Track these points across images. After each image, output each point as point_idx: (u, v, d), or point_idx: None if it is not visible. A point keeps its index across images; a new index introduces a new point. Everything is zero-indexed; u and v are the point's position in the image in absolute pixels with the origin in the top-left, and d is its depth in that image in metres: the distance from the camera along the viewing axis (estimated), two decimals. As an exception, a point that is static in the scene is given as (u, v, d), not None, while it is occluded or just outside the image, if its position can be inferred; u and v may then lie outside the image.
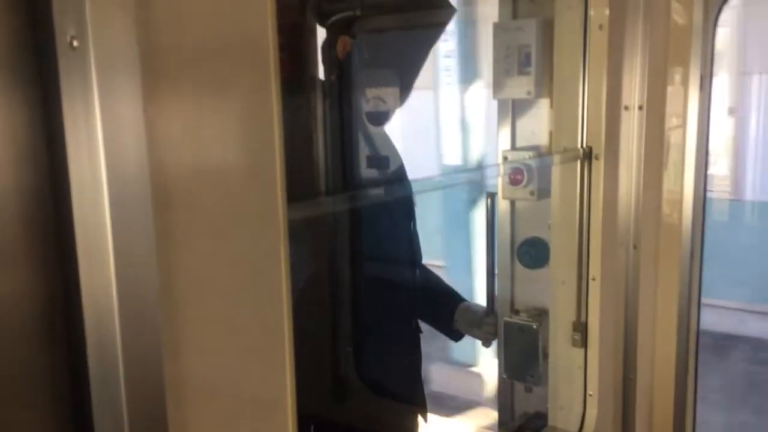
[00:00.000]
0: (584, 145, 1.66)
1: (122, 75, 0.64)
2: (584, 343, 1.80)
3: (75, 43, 0.61)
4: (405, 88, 2.20)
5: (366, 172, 2.14)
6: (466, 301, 2.36)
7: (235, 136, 0.80)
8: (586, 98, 1.65)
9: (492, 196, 1.95)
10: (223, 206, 0.79)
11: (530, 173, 1.82)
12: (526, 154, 1.85)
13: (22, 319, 0.66)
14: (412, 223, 2.35)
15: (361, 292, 2.24)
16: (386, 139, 2.16)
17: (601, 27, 1.58)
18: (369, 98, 2.06)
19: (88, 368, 0.67)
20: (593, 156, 1.67)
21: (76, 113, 0.63)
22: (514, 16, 1.83)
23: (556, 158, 1.70)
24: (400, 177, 2.26)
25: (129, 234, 0.66)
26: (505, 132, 1.95)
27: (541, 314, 1.99)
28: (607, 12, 1.58)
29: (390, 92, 2.11)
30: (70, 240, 0.65)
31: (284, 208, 0.86)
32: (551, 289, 1.87)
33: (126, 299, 0.66)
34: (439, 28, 2.01)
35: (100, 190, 0.65)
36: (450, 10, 1.90)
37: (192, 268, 0.76)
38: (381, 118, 2.11)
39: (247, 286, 0.84)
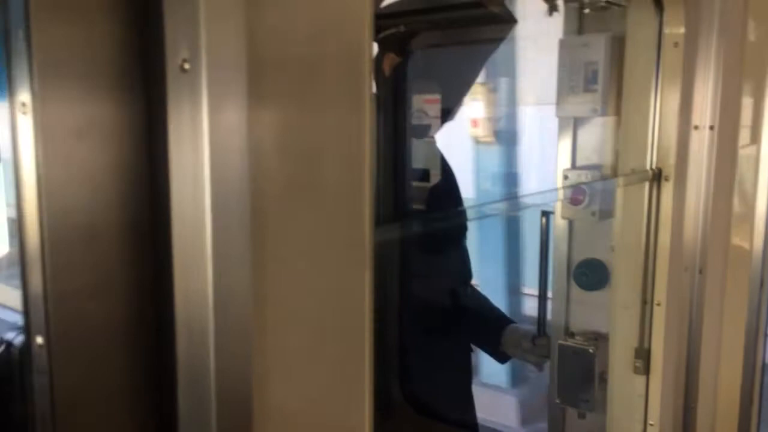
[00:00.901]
0: (653, 167, 1.61)
1: (230, 96, 0.62)
2: (646, 371, 1.74)
3: (186, 66, 0.60)
4: (454, 103, 2.16)
5: (417, 186, 2.11)
6: (514, 322, 2.31)
7: (328, 152, 0.77)
8: (657, 117, 1.60)
9: (547, 214, 1.90)
10: (313, 225, 0.77)
11: (592, 193, 1.77)
12: (588, 174, 1.79)
13: (117, 324, 0.64)
14: (463, 240, 2.31)
15: (409, 310, 2.20)
16: (438, 153, 2.13)
17: (676, 45, 1.53)
18: (415, 113, 2.04)
19: (177, 380, 0.65)
20: (662, 177, 1.61)
21: (183, 134, 0.62)
22: (580, 31, 1.79)
23: (624, 180, 1.65)
24: (452, 192, 2.22)
25: (226, 248, 0.64)
26: (565, 150, 1.90)
27: (597, 338, 1.92)
28: (683, 30, 1.53)
29: (435, 107, 2.08)
30: (167, 250, 0.63)
31: (371, 233, 0.83)
32: (612, 313, 1.81)
33: (220, 309, 0.64)
34: (495, 42, 1.97)
35: (202, 207, 0.63)
36: (508, 25, 1.86)
37: (281, 282, 0.74)
38: (426, 131, 2.08)
39: (331, 312, 0.81)
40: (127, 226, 0.64)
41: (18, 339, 1.76)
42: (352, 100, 0.78)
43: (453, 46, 2.01)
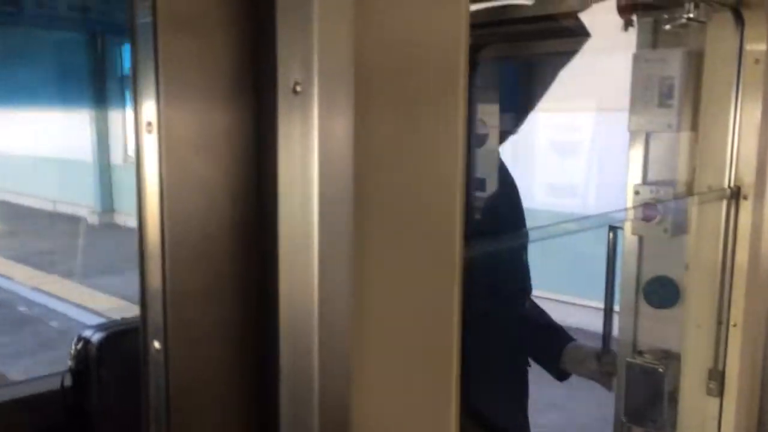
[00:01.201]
0: (732, 184, 1.58)
1: (339, 117, 0.64)
2: (720, 393, 1.69)
3: (298, 89, 0.62)
4: (521, 116, 2.16)
5: (479, 198, 2.11)
6: (575, 340, 2.27)
7: (424, 165, 0.79)
8: (736, 134, 1.56)
9: (614, 229, 1.87)
10: (408, 238, 0.78)
11: (665, 209, 1.74)
12: (661, 189, 1.77)
13: (226, 328, 0.67)
14: (524, 253, 2.29)
15: (466, 323, 2.19)
16: (497, 163, 2.12)
17: (757, 61, 1.50)
18: (477, 122, 2.04)
19: (280, 382, 0.67)
20: (741, 196, 1.57)
21: (292, 153, 0.64)
22: (654, 46, 1.77)
23: (700, 197, 1.62)
24: (510, 203, 2.21)
25: (329, 260, 0.66)
26: (636, 164, 1.87)
27: (666, 357, 1.88)
28: (765, 47, 1.50)
29: (494, 117, 2.07)
30: (274, 259, 0.66)
31: (461, 247, 0.84)
32: (684, 332, 1.77)
33: (322, 317, 0.66)
34: (566, 56, 1.95)
35: (308, 219, 0.65)
36: (580, 39, 1.85)
37: (377, 293, 0.75)
38: (484, 140, 2.08)
39: (422, 326, 0.82)
40: (238, 235, 0.67)
41: (95, 336, 1.83)
42: (447, 111, 0.79)
43: (523, 59, 2.00)
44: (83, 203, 13.12)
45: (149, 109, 0.61)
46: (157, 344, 0.65)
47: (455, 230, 0.82)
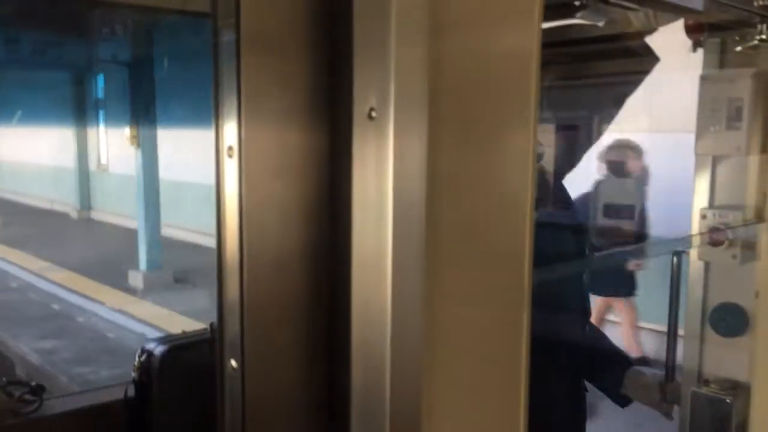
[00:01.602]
0: (806, 209, 1.52)
1: (413, 142, 0.65)
2: (793, 427, 1.62)
3: (373, 115, 0.63)
4: (585, 136, 2.13)
5: (542, 216, 2.08)
6: (635, 364, 2.21)
7: (494, 187, 0.79)
8: (811, 158, 1.51)
9: (678, 254, 1.82)
10: (478, 261, 0.78)
11: (734, 235, 1.69)
12: (730, 214, 1.71)
13: (299, 349, 0.68)
14: (584, 274, 2.25)
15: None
16: (549, 182, 2.10)
17: (833, 82, 1.45)
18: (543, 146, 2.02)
19: (351, 403, 0.68)
20: (816, 221, 1.51)
21: (366, 178, 0.65)
22: (721, 66, 1.73)
23: (772, 222, 1.56)
24: (564, 222, 2.18)
25: (402, 284, 0.66)
26: (703, 188, 1.82)
27: (734, 387, 1.82)
28: (841, 66, 1.45)
29: (548, 136, 2.05)
30: (347, 282, 0.66)
31: (530, 272, 0.83)
32: (753, 361, 1.70)
33: (395, 338, 0.67)
34: (632, 79, 1.92)
35: (382, 242, 0.65)
36: (648, 63, 1.82)
37: (447, 317, 0.75)
38: (539, 158, 2.06)
39: (490, 352, 0.82)
40: (312, 256, 0.68)
41: (158, 349, 1.88)
42: (518, 133, 0.79)
43: (587, 80, 1.98)
44: (68, 202, 16.31)
45: (231, 133, 0.63)
46: (233, 363, 0.66)
47: (524, 251, 0.82)
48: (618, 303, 5.90)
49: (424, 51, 0.64)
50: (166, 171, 10.59)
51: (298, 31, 0.64)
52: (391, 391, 0.67)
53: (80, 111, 14.89)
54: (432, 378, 0.72)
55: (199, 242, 11.09)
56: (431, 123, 0.67)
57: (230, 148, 0.63)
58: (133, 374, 1.91)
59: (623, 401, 2.20)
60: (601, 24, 1.45)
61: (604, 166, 4.85)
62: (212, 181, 0.64)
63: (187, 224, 11.97)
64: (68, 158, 16.09)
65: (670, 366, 1.95)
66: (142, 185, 10.17)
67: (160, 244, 10.36)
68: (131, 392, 1.87)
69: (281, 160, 0.65)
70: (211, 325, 2.10)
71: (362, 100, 0.63)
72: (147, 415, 1.94)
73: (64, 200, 16.60)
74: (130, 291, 9.51)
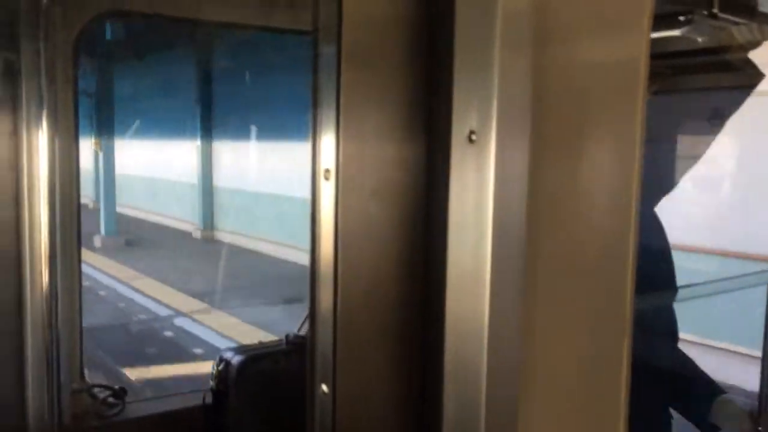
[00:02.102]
0: None
1: (515, 164, 0.62)
2: None
3: (473, 138, 0.60)
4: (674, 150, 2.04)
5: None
6: (725, 392, 2.10)
7: (596, 208, 0.74)
8: None
9: (776, 279, 1.71)
10: (577, 286, 0.74)
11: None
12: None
13: (391, 375, 0.66)
14: (671, 299, 2.16)
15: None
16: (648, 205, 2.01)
17: None
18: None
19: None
20: None
21: (464, 200, 0.62)
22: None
23: None
24: (652, 244, 2.09)
25: (500, 311, 0.63)
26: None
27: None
28: None
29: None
30: (440, 306, 0.64)
31: (631, 298, 0.78)
32: None
33: (491, 371, 0.63)
34: (739, 93, 1.81)
35: (479, 266, 0.62)
36: (750, 77, 1.71)
37: (546, 343, 0.71)
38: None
39: (589, 378, 0.77)
40: (405, 280, 0.66)
41: (235, 359, 1.91)
42: (622, 149, 0.73)
43: (686, 92, 1.89)
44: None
45: (328, 155, 0.62)
46: (324, 388, 0.65)
47: (627, 273, 0.77)
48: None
49: (528, 64, 0.61)
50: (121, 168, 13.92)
51: (396, 43, 0.62)
52: (486, 414, 0.63)
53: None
54: (528, 400, 0.68)
55: (145, 218, 14.58)
56: (532, 139, 0.64)
57: (327, 171, 0.62)
58: (211, 383, 1.95)
59: (711, 430, 2.09)
60: (703, 39, 1.37)
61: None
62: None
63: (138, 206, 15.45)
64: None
65: (764, 395, 1.84)
66: (102, 178, 14.40)
67: (114, 218, 14.25)
68: (209, 399, 1.91)
69: (377, 181, 0.63)
70: (286, 336, 2.12)
71: (462, 122, 0.61)
72: (224, 422, 1.98)
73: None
74: (93, 249, 13.22)
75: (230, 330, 7.73)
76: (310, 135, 0.64)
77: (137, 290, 10.37)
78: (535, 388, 0.68)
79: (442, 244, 0.63)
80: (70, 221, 1.72)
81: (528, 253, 0.65)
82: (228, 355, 1.90)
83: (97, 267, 11.71)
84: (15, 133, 1.67)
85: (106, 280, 10.99)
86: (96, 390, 1.82)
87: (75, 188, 1.74)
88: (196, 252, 13.89)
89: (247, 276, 11.46)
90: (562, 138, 0.69)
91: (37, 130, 1.65)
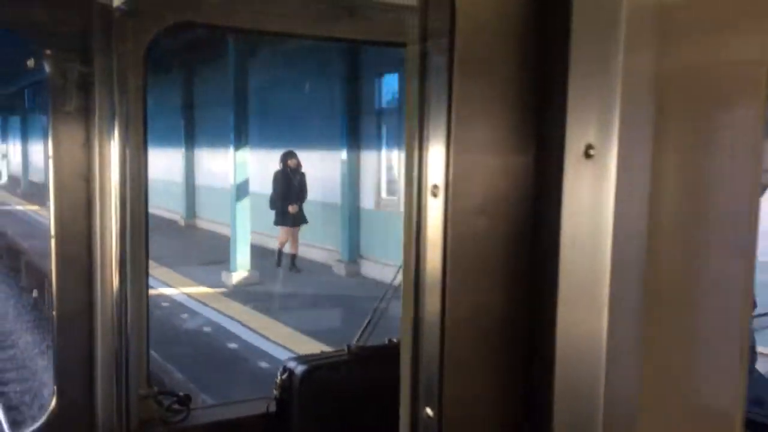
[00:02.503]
0: None
1: (636, 179, 0.59)
2: None
3: (591, 153, 0.57)
4: None
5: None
6: None
7: (719, 214, 0.69)
8: None
9: None
10: (693, 311, 0.69)
11: None
12: None
13: (496, 399, 0.63)
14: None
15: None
16: None
17: None
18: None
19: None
20: None
21: (578, 218, 0.59)
22: None
23: None
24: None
25: (617, 336, 0.60)
26: None
27: None
28: None
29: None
30: (551, 327, 0.61)
31: (747, 321, 0.74)
32: None
33: (606, 397, 0.60)
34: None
35: (595, 286, 0.59)
36: None
37: (662, 364, 0.67)
38: None
39: (704, 406, 0.73)
40: (513, 299, 0.64)
41: (298, 368, 1.91)
42: (745, 157, 0.69)
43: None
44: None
45: (437, 170, 0.60)
46: (429, 411, 0.63)
47: (747, 289, 0.73)
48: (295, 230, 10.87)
49: (652, 70, 0.57)
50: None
51: (508, 50, 0.59)
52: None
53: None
54: (646, 423, 0.65)
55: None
56: (654, 153, 0.60)
57: (435, 187, 0.60)
58: (275, 392, 1.95)
59: None
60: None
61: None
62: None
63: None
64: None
65: None
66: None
67: None
68: (272, 408, 1.91)
69: (485, 197, 0.61)
70: (348, 346, 2.12)
71: (578, 135, 0.58)
72: (287, 430, 1.98)
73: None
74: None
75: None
76: (413, 147, 0.62)
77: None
78: (653, 410, 0.64)
79: (552, 264, 0.60)
80: (140, 229, 1.75)
81: (646, 271, 0.61)
82: (291, 364, 1.91)
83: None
84: (87, 143, 1.70)
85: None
86: (162, 397, 1.84)
87: (144, 197, 1.77)
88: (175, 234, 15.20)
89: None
90: (683, 147, 0.65)
91: (109, 141, 1.68)
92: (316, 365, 1.84)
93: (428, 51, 0.60)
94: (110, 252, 1.72)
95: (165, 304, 9.38)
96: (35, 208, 19.16)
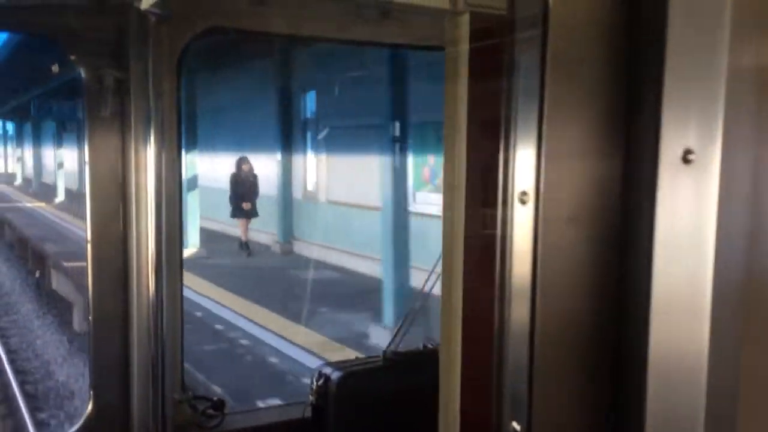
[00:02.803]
0: None
1: (739, 186, 0.57)
2: None
3: (690, 158, 0.55)
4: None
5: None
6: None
7: None
8: None
9: None
10: None
11: None
12: None
13: (584, 412, 0.61)
14: None
15: None
16: None
17: None
18: None
19: None
20: None
21: (676, 224, 0.57)
22: None
23: None
24: None
25: (718, 350, 0.58)
26: None
27: None
28: None
29: None
30: (644, 338, 0.59)
31: None
32: None
33: (708, 414, 0.58)
34: None
35: (697, 302, 0.58)
36: None
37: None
38: None
39: None
40: (603, 308, 0.62)
41: (334, 374, 1.90)
42: None
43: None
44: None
45: (525, 177, 0.59)
46: (516, 425, 0.61)
47: None
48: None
49: (754, 67, 0.55)
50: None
51: (599, 51, 0.57)
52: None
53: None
54: None
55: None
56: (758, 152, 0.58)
57: (524, 194, 0.59)
58: (311, 397, 1.94)
59: None
60: None
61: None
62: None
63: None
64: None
65: None
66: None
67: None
68: (308, 413, 1.90)
69: (575, 204, 0.59)
70: (384, 352, 2.10)
71: (675, 139, 0.56)
72: (322, 437, 1.98)
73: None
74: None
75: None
76: (502, 155, 0.61)
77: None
78: (755, 418, 0.63)
79: (645, 272, 0.59)
80: (174, 234, 1.74)
81: (746, 277, 0.60)
82: (327, 370, 1.90)
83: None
84: (123, 149, 1.70)
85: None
86: (196, 402, 1.84)
87: (179, 202, 1.76)
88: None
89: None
90: None
91: (145, 146, 1.68)
92: (351, 371, 1.84)
93: (516, 51, 0.58)
94: (146, 256, 1.71)
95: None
96: (42, 204, 23.01)
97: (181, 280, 1.81)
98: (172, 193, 1.73)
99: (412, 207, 9.64)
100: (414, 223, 9.18)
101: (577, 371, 0.60)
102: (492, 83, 0.62)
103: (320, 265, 12.10)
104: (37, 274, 12.91)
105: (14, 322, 10.81)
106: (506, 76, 0.59)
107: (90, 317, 1.78)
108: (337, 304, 9.51)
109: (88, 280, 1.75)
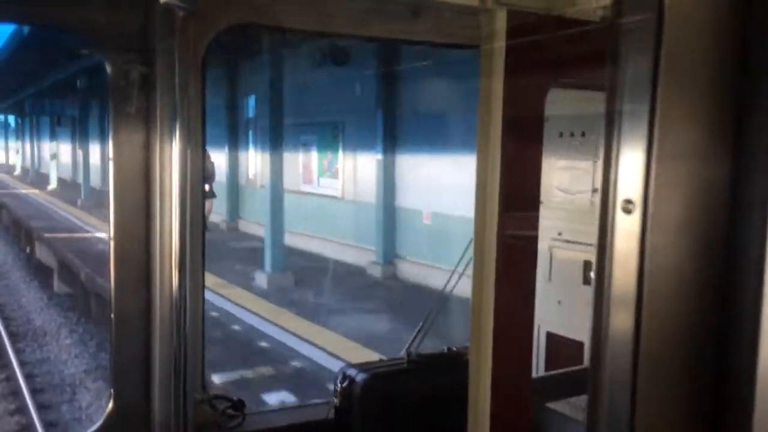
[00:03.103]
0: None
1: None
2: None
3: None
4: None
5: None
6: None
7: None
8: None
9: None
10: None
11: None
12: None
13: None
14: None
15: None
16: None
17: None
18: None
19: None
20: None
21: None
22: None
23: None
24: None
25: None
26: None
27: None
28: None
29: None
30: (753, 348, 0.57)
31: None
32: None
33: None
34: None
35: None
36: None
37: None
38: None
39: None
40: (710, 323, 0.59)
41: (359, 376, 1.88)
42: None
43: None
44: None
45: (631, 184, 0.56)
46: None
47: None
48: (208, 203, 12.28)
49: None
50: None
51: (710, 51, 0.54)
52: None
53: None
54: None
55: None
56: None
57: (629, 202, 0.56)
58: (335, 399, 1.92)
59: None
60: None
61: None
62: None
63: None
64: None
65: None
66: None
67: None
68: (331, 415, 1.88)
69: (682, 213, 0.56)
70: (408, 354, 2.08)
71: None
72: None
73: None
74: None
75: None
76: (603, 160, 0.57)
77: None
78: None
79: (756, 282, 0.56)
80: (198, 231, 1.72)
81: None
82: (351, 372, 1.88)
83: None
84: (148, 145, 1.67)
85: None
86: (216, 401, 1.81)
87: (203, 199, 1.74)
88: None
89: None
90: None
91: (170, 142, 1.65)
92: (376, 373, 1.81)
93: (626, 50, 0.55)
94: (169, 254, 1.69)
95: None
96: (36, 191, 27.63)
97: (203, 278, 1.79)
98: (197, 190, 1.71)
99: (316, 190, 14.03)
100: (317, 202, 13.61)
101: (681, 387, 0.58)
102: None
103: (254, 238, 15.22)
104: (27, 250, 16.04)
105: (6, 287, 14.02)
106: (610, 78, 0.56)
107: (111, 315, 1.76)
108: (245, 262, 12.88)
109: (110, 277, 1.73)
